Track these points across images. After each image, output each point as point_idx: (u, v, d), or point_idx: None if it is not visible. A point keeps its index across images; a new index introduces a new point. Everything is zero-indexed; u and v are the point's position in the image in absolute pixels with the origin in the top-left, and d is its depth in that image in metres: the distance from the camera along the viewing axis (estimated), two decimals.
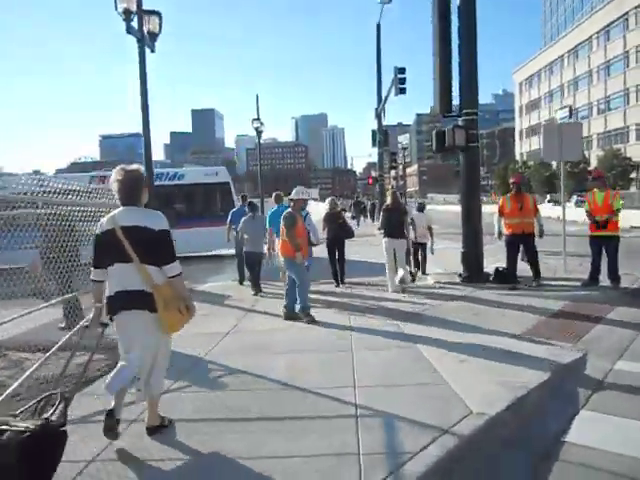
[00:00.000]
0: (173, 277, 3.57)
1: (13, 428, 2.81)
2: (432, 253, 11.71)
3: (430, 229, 11.51)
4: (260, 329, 7.36)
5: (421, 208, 12.02)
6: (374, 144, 27.79)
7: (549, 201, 55.91)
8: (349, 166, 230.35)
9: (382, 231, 9.82)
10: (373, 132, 27.84)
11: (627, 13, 55.26)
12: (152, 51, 10.69)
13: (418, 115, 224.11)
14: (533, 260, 9.69)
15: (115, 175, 3.65)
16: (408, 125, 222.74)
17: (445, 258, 14.33)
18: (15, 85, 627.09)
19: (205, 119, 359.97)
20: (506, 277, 9.68)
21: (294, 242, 7.55)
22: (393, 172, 38.56)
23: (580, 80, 67.21)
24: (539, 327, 6.76)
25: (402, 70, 19.40)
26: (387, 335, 6.59)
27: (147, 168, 10.26)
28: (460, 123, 9.76)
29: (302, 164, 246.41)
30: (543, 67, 76.77)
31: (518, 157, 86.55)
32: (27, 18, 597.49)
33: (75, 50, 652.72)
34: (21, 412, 3.08)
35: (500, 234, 9.75)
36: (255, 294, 9.90)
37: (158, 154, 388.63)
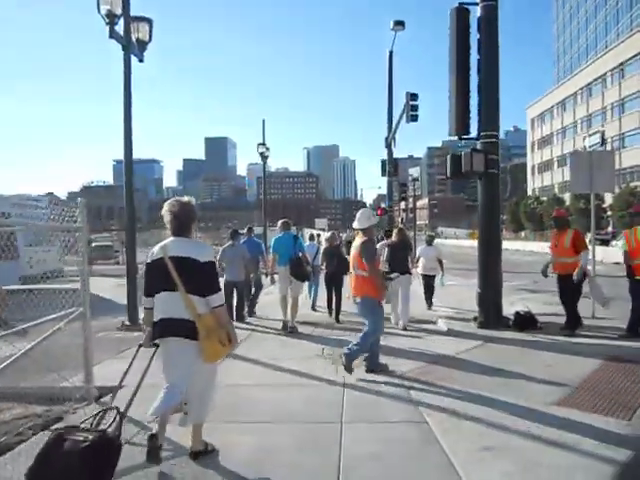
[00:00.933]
0: (216, 307, 3.68)
1: (73, 437, 3.11)
2: (442, 285, 11.85)
3: (440, 262, 11.60)
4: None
5: (430, 241, 12.15)
6: (383, 174, 26.88)
7: None
8: (359, 197, 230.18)
9: (387, 266, 9.38)
10: (383, 162, 26.94)
11: None
12: (140, 60, 9.83)
13: (429, 148, 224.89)
14: (568, 306, 8.46)
15: (168, 207, 3.77)
16: (419, 158, 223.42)
17: (456, 297, 13.37)
18: (31, 106, 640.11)
19: (218, 147, 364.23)
20: (527, 322, 8.44)
21: (379, 278, 6.17)
22: (403, 204, 37.43)
23: (594, 117, 66.47)
24: (578, 393, 5.45)
25: (414, 96, 18.43)
26: (389, 398, 5.32)
27: (127, 191, 9.24)
28: (478, 147, 8.61)
29: (312, 194, 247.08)
30: (556, 103, 76.35)
31: (530, 192, 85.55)
32: (39, 34, 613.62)
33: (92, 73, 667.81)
34: (82, 423, 3.36)
35: (545, 271, 8.54)
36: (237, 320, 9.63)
37: (170, 180, 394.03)
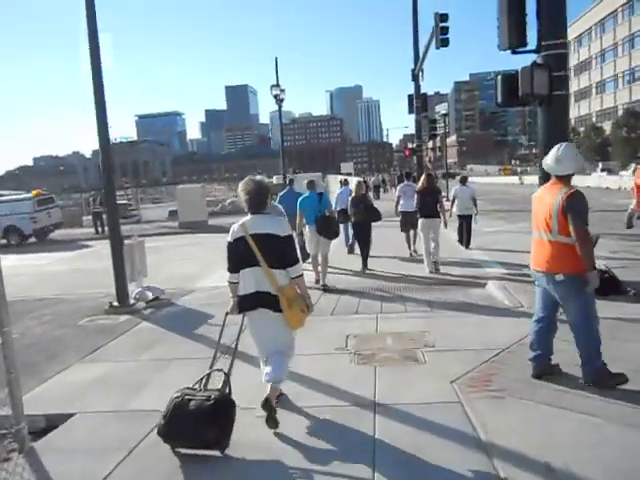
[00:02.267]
0: (295, 278, 3.90)
1: (197, 397, 3.57)
2: (476, 223, 12.45)
3: (474, 201, 12.04)
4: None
5: (464, 180, 12.45)
6: (410, 110, 24.54)
7: (602, 170, 51.52)
8: (385, 139, 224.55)
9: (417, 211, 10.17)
10: (409, 97, 24.56)
11: None
12: None
13: (456, 83, 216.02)
14: None
15: (243, 186, 3.95)
16: (445, 94, 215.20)
17: (503, 244, 11.60)
18: (49, 64, 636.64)
19: (239, 95, 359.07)
20: (611, 286, 6.63)
21: (591, 247, 4.13)
22: (431, 143, 35.02)
23: (637, 37, 61.25)
24: None
25: (444, 17, 16.04)
26: (433, 414, 3.85)
27: (105, 171, 7.67)
28: (540, 61, 6.60)
29: (337, 138, 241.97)
30: (594, 24, 70.72)
31: None
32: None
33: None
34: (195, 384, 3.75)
35: (630, 220, 6.72)
36: None
37: (194, 132, 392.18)
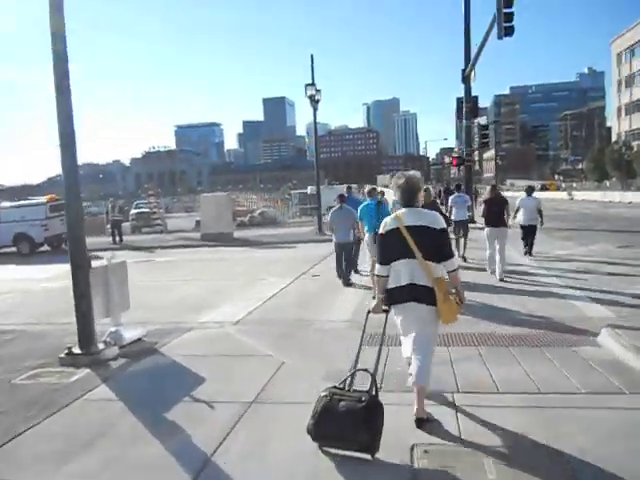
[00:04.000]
0: (451, 272, 3.83)
1: (347, 398, 3.43)
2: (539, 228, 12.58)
3: (540, 212, 12.11)
4: None
5: (530, 191, 12.54)
6: (459, 116, 22.24)
7: None
8: (422, 152, 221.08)
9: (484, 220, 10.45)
10: (458, 101, 22.23)
11: None
12: None
13: (496, 96, 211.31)
14: None
15: (397, 180, 3.98)
16: (484, 108, 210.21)
17: (586, 271, 9.48)
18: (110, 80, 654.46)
19: (276, 107, 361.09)
20: None
21: None
22: (476, 153, 32.50)
23: None
24: None
25: (509, 2, 13.66)
26: None
27: (67, 183, 5.64)
28: None
29: (374, 150, 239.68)
30: None
31: (615, 137, 76.96)
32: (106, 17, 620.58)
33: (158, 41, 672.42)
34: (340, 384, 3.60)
35: None
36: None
37: (231, 143, 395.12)
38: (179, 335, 6.61)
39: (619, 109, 77.13)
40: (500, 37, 14.16)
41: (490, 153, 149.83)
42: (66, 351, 5.59)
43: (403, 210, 3.89)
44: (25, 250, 19.96)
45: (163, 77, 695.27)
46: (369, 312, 3.91)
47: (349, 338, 6.19)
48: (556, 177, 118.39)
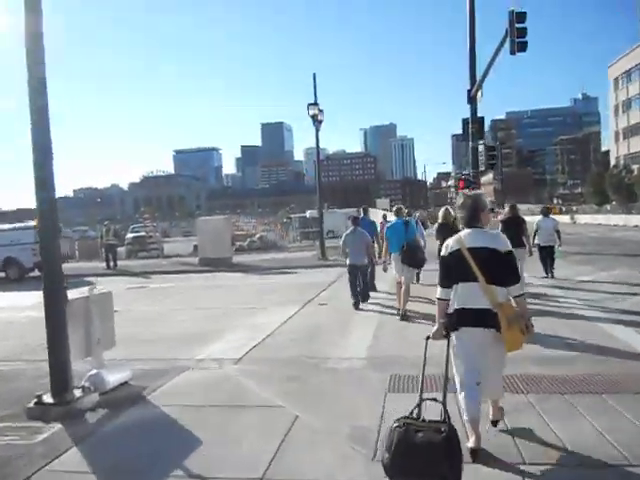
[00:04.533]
0: (517, 297, 3.63)
1: (424, 428, 3.17)
2: (559, 255, 12.89)
3: (558, 232, 12.25)
4: None
5: (546, 212, 12.89)
6: (464, 137, 21.57)
7: None
8: (419, 176, 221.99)
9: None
10: (464, 121, 21.53)
11: None
12: None
13: (493, 121, 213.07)
14: None
15: (462, 199, 3.85)
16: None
17: (614, 300, 8.59)
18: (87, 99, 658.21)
19: (274, 132, 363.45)
20: None
21: None
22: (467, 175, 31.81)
23: None
24: None
25: (521, 17, 13.03)
26: None
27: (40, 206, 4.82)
28: None
29: (371, 175, 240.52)
30: None
31: (613, 161, 76.89)
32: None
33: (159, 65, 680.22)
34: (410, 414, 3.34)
35: None
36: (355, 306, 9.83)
37: (229, 168, 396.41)
38: (172, 377, 5.69)
39: (617, 133, 77.21)
40: (513, 53, 13.54)
41: (488, 177, 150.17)
42: (35, 400, 4.67)
43: (466, 231, 3.72)
44: (14, 275, 19.02)
45: (163, 100, 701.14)
46: (428, 338, 3.66)
47: (369, 381, 5.32)
48: (554, 201, 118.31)
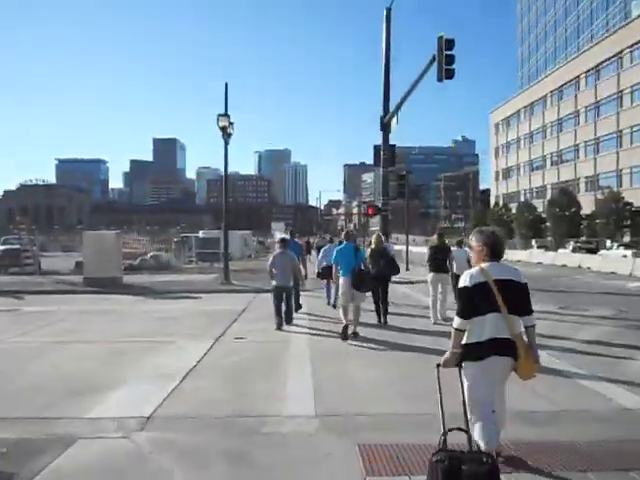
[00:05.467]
0: (530, 327, 3.74)
1: (466, 459, 3.09)
2: None
3: (469, 262, 12.94)
4: None
5: (460, 243, 13.06)
6: (376, 163, 22.01)
7: (539, 247, 51.10)
8: (312, 202, 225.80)
9: (428, 266, 11.09)
10: (376, 148, 21.90)
11: (622, 52, 51.76)
12: None
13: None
14: None
15: (481, 236, 3.91)
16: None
17: (569, 336, 8.23)
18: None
19: (167, 148, 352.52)
20: None
21: None
22: (356, 209, 32.19)
23: (565, 121, 63.60)
24: None
25: (450, 44, 12.80)
26: None
27: None
28: None
29: (265, 198, 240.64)
30: (523, 107, 73.88)
31: (493, 199, 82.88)
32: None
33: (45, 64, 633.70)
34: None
35: None
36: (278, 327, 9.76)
37: (117, 182, 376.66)
38: (54, 456, 3.97)
39: (497, 173, 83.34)
40: (440, 79, 13.26)
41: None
42: None
43: (488, 264, 3.79)
44: None
45: (47, 107, 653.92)
46: (439, 366, 3.70)
47: (334, 460, 4.02)
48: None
